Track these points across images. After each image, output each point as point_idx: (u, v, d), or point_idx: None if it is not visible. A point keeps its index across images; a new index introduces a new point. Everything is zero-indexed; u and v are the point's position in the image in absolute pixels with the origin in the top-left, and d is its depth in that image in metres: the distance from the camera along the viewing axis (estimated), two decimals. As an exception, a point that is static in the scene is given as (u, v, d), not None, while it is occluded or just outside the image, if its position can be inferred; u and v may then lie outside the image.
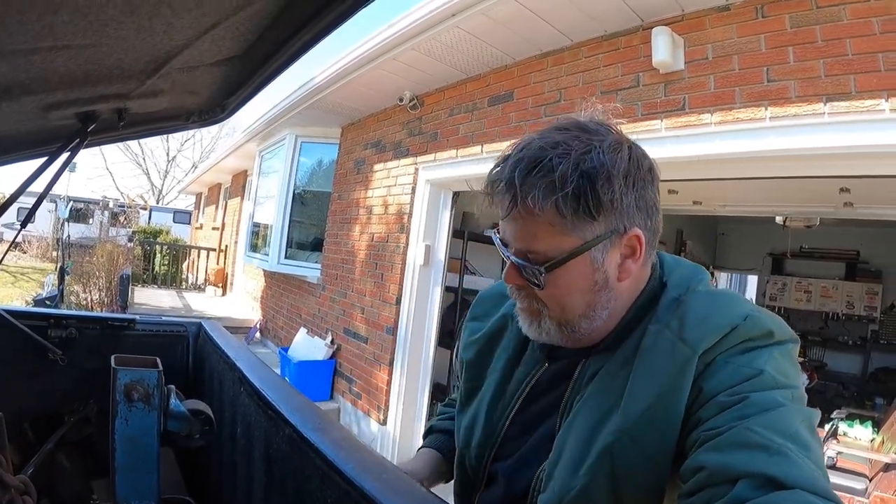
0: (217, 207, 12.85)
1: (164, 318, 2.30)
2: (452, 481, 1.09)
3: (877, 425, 4.41)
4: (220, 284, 10.69)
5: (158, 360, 1.51)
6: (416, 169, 4.53)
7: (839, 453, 3.56)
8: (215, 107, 1.36)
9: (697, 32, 2.69)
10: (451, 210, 4.45)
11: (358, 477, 0.87)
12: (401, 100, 4.65)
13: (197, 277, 11.87)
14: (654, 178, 0.84)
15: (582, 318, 0.84)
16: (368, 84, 4.62)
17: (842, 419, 4.48)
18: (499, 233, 0.87)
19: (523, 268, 0.83)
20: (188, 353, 2.22)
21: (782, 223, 5.99)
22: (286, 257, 6.51)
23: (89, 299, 8.72)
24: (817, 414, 0.74)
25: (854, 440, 4.14)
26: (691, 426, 0.72)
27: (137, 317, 2.16)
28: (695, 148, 2.64)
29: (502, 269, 0.89)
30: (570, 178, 0.75)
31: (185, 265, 12.43)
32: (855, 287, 8.18)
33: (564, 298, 0.83)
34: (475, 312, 1.13)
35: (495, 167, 0.83)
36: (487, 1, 3.04)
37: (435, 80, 4.32)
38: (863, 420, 4.44)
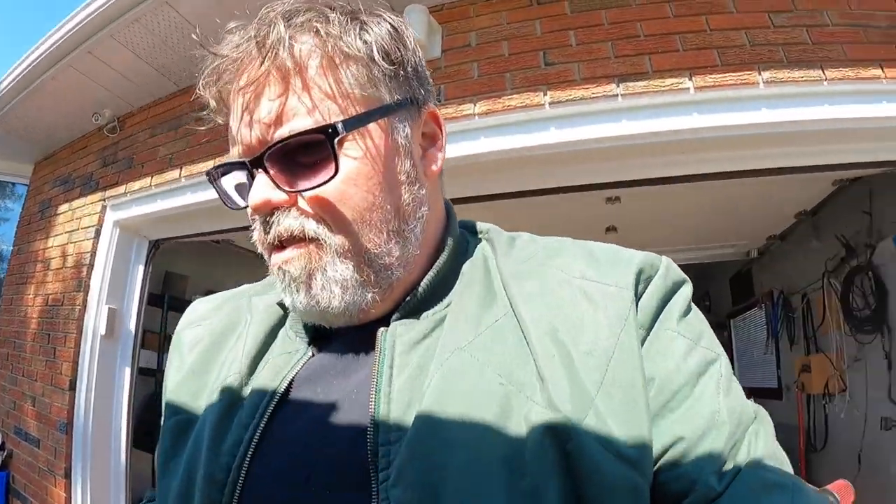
0: None
1: None
2: None
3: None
4: None
5: None
6: (104, 207, 3.42)
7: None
8: None
9: (459, 21, 2.33)
10: (147, 265, 3.36)
11: None
12: (95, 118, 3.55)
13: None
14: None
15: (393, 236, 0.55)
16: (62, 91, 3.38)
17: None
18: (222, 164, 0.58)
19: (293, 162, 0.53)
20: None
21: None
22: (-50, 334, 4.79)
23: None
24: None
25: None
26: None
27: None
28: (456, 148, 2.09)
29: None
30: (353, 21, 0.55)
31: None
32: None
33: (363, 195, 0.54)
34: (189, 319, 0.73)
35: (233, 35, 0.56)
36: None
37: (143, 92, 3.33)
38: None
